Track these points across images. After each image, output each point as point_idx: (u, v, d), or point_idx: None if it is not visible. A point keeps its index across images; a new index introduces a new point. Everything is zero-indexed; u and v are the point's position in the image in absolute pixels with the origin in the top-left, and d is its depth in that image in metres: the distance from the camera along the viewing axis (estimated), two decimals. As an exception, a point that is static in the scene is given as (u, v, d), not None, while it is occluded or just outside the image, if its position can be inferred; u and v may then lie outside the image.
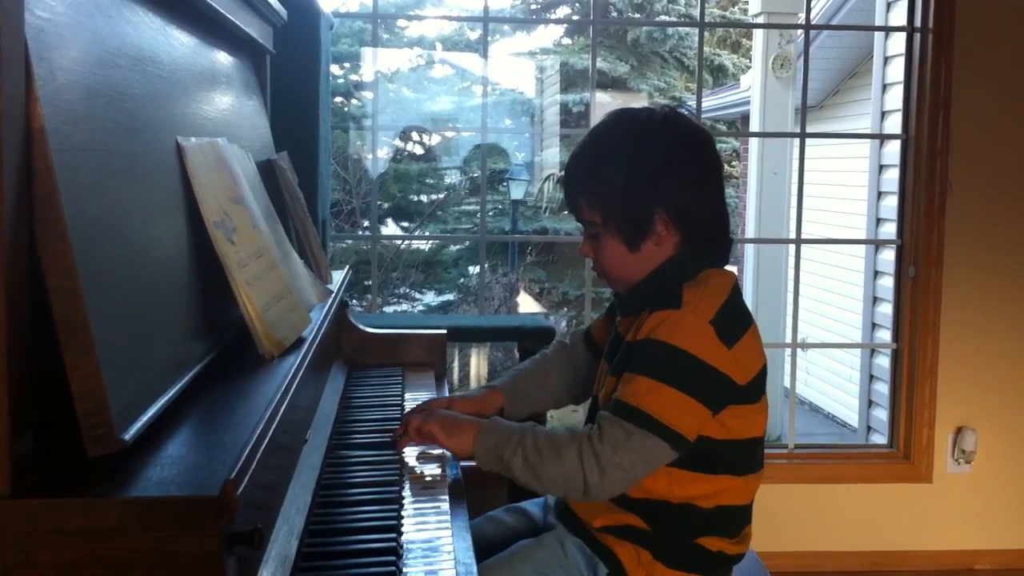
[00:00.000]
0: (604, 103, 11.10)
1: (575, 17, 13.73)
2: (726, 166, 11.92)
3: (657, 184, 1.56)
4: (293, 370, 1.32)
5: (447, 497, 1.46)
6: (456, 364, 9.02)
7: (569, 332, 1.98)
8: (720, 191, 1.64)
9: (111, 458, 0.93)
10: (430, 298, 10.62)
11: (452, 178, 11.48)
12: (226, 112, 1.73)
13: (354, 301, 8.18)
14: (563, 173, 1.69)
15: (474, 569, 1.24)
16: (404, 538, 1.30)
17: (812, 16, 4.34)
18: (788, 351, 3.73)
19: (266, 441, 1.06)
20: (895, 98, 3.72)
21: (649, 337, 1.50)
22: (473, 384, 9.10)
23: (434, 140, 11.48)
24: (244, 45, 2.03)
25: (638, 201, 1.56)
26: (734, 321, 1.55)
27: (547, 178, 11.17)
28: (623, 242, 1.59)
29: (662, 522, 1.56)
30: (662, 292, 1.55)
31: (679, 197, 1.57)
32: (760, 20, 7.01)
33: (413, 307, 10.38)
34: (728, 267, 1.67)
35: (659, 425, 1.45)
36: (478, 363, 9.39)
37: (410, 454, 1.63)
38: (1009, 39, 3.32)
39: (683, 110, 1.65)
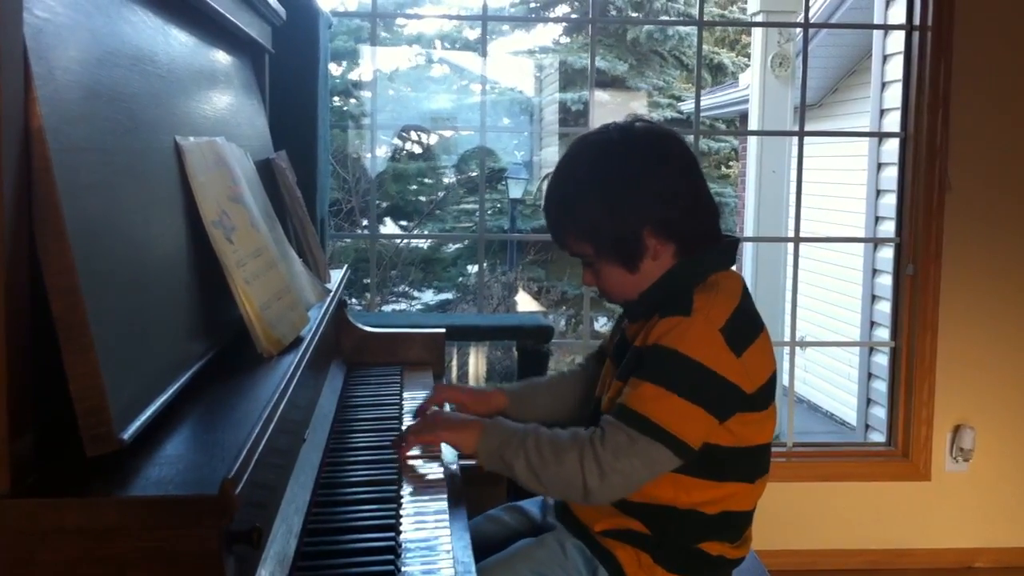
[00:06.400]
0: (603, 102, 11.08)
1: (574, 16, 13.72)
2: (725, 165, 11.92)
3: (633, 205, 1.55)
4: (292, 369, 1.32)
5: (446, 496, 1.46)
6: (455, 363, 9.02)
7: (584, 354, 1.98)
8: (696, 188, 1.61)
9: (110, 457, 0.93)
10: (429, 297, 10.61)
11: (451, 177, 11.46)
12: (225, 111, 1.73)
13: (353, 300, 8.18)
14: (543, 213, 1.67)
15: (472, 568, 1.24)
16: (402, 537, 1.30)
17: (811, 14, 4.34)
18: (786, 349, 3.73)
19: (265, 440, 1.06)
20: (894, 96, 3.72)
21: (658, 343, 1.50)
22: (471, 383, 9.09)
23: (433, 139, 11.46)
24: (243, 44, 2.03)
25: (621, 226, 1.56)
26: (744, 328, 1.54)
27: (545, 177, 11.14)
28: (620, 266, 1.59)
29: (665, 527, 1.55)
30: (672, 296, 1.55)
31: (659, 210, 1.56)
32: (759, 19, 7.00)
33: (412, 306, 10.37)
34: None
35: (663, 432, 1.45)
36: (477, 362, 9.38)
37: (410, 454, 1.63)
38: (1008, 36, 3.32)
39: (640, 122, 1.63)
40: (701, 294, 1.54)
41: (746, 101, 8.07)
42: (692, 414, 1.47)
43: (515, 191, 10.80)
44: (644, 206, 1.56)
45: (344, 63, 9.91)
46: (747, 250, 7.33)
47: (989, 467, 3.43)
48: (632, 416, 1.47)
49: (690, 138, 3.65)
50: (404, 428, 1.69)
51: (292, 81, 2.50)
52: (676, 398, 1.47)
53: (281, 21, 2.21)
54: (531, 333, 2.78)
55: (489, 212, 11.21)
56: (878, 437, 3.91)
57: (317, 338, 1.60)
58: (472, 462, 1.58)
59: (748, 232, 7.52)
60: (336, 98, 9.80)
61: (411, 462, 1.59)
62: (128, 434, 0.95)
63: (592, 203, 1.57)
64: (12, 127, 0.90)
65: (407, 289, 10.48)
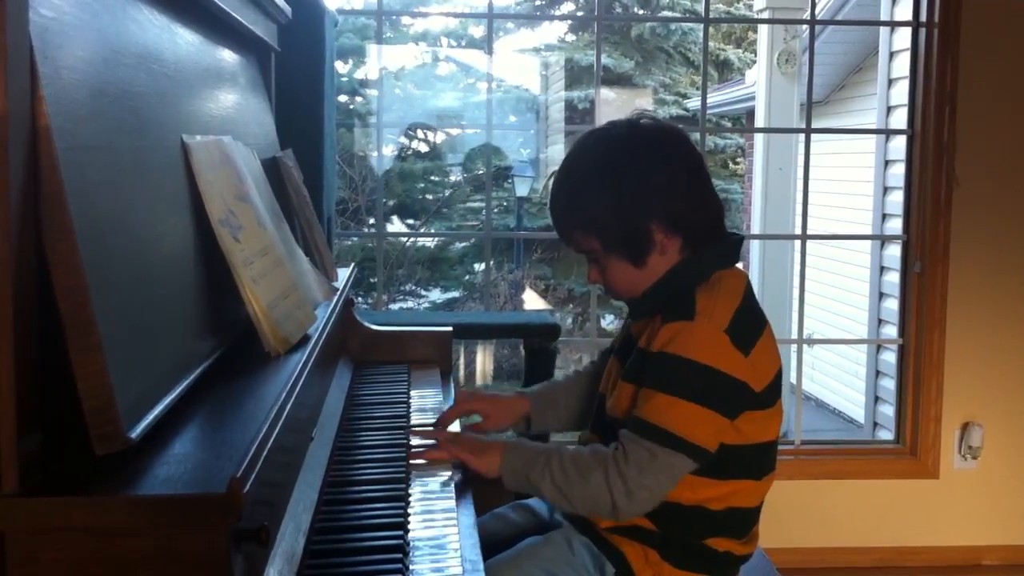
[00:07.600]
0: (609, 99, 11.08)
1: (579, 13, 13.72)
2: (731, 162, 11.91)
3: (641, 199, 1.55)
4: (299, 368, 1.32)
5: (454, 494, 1.46)
6: (462, 361, 9.02)
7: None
8: (703, 184, 1.62)
9: (118, 456, 0.93)
10: (436, 295, 10.61)
11: (457, 175, 11.47)
12: (231, 110, 1.73)
13: (360, 299, 8.17)
14: (549, 209, 1.67)
15: (481, 566, 1.24)
16: (411, 535, 1.30)
17: (817, 11, 4.33)
18: (794, 347, 3.73)
19: (272, 439, 1.06)
20: (901, 93, 3.71)
21: (664, 351, 1.50)
22: (479, 381, 9.09)
23: (439, 137, 11.47)
24: (249, 43, 2.03)
25: (629, 220, 1.56)
26: (749, 326, 1.54)
27: (552, 175, 11.13)
28: (627, 261, 1.59)
29: (671, 524, 1.56)
30: (675, 297, 1.55)
31: (666, 204, 1.56)
32: (765, 15, 6.99)
33: (419, 304, 10.38)
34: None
35: (681, 442, 1.46)
36: (484, 360, 9.39)
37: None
38: (1014, 33, 3.31)
39: (646, 119, 1.63)
40: (703, 296, 1.53)
41: (752, 98, 8.06)
42: (706, 418, 1.48)
43: (521, 189, 10.80)
44: (652, 200, 1.56)
45: (350, 61, 9.93)
46: (754, 247, 7.32)
47: (998, 464, 3.42)
48: (649, 429, 1.47)
49: (696, 135, 3.65)
50: (419, 440, 1.67)
51: (298, 79, 2.50)
52: (689, 404, 1.47)
53: (287, 19, 2.21)
54: (538, 331, 2.78)
55: (495, 210, 11.21)
56: (886, 435, 3.89)
57: (324, 337, 1.60)
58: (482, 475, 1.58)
59: (755, 229, 7.50)
60: (342, 97, 9.81)
61: (417, 460, 1.59)
62: (136, 433, 0.95)
63: (600, 196, 1.57)
64: (19, 126, 0.90)
65: (414, 287, 10.49)
